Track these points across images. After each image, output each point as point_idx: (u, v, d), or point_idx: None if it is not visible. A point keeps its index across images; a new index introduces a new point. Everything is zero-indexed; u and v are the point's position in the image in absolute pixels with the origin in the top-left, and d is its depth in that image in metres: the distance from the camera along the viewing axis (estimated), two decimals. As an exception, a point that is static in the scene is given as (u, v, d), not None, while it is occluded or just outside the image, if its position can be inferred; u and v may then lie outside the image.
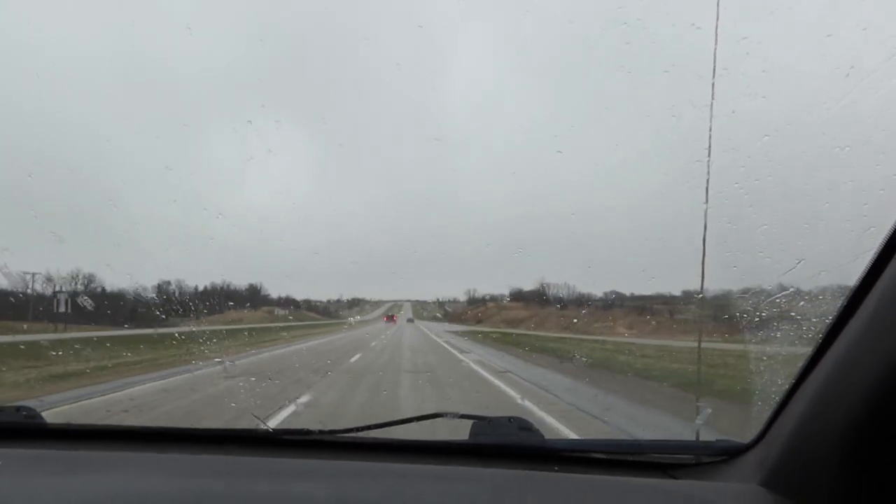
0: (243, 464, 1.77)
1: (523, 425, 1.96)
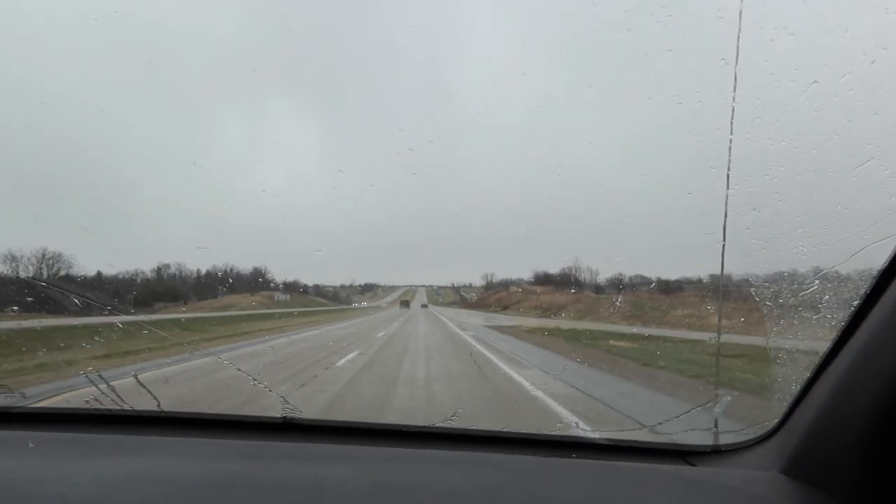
0: (264, 448, 1.80)
1: None
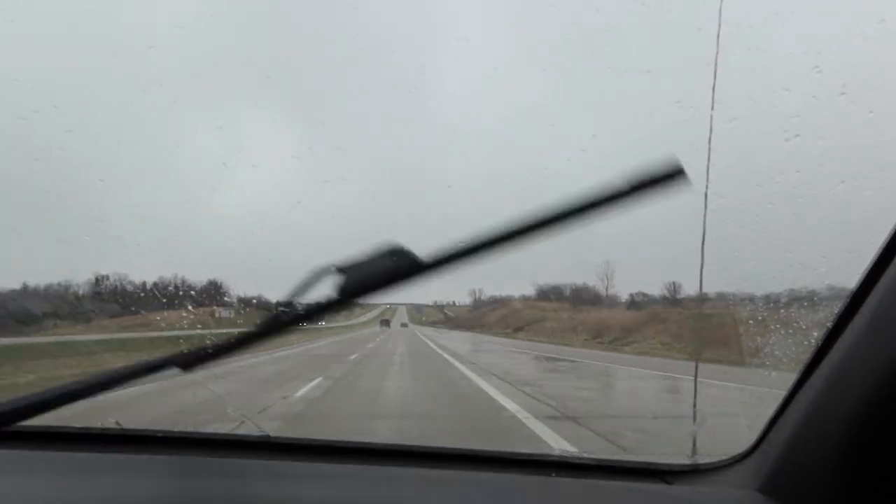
0: (239, 466, 1.76)
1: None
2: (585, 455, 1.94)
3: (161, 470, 1.72)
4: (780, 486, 1.35)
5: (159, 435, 2.06)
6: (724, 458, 1.70)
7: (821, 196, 2.41)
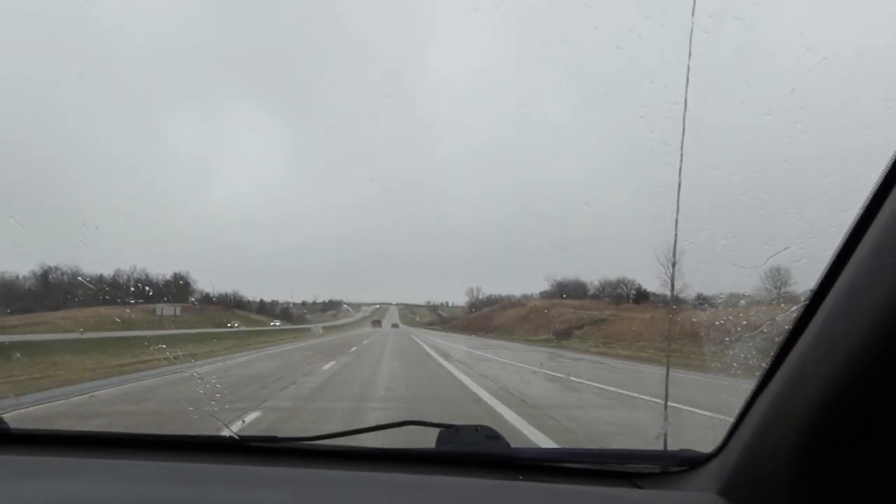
0: (207, 471, 1.74)
1: (490, 434, 1.96)
2: (555, 458, 1.94)
3: (121, 474, 1.68)
4: (738, 489, 1.37)
5: (128, 438, 2.02)
6: (691, 460, 1.72)
7: (783, 199, 2.47)
